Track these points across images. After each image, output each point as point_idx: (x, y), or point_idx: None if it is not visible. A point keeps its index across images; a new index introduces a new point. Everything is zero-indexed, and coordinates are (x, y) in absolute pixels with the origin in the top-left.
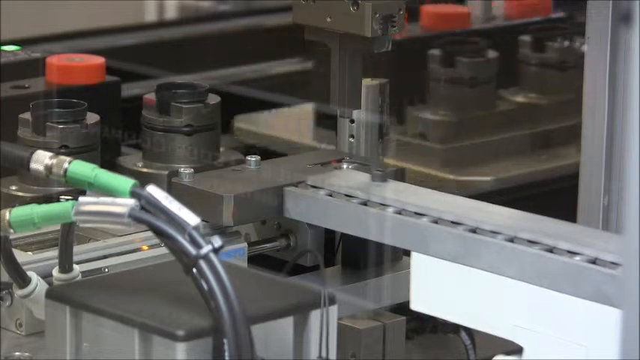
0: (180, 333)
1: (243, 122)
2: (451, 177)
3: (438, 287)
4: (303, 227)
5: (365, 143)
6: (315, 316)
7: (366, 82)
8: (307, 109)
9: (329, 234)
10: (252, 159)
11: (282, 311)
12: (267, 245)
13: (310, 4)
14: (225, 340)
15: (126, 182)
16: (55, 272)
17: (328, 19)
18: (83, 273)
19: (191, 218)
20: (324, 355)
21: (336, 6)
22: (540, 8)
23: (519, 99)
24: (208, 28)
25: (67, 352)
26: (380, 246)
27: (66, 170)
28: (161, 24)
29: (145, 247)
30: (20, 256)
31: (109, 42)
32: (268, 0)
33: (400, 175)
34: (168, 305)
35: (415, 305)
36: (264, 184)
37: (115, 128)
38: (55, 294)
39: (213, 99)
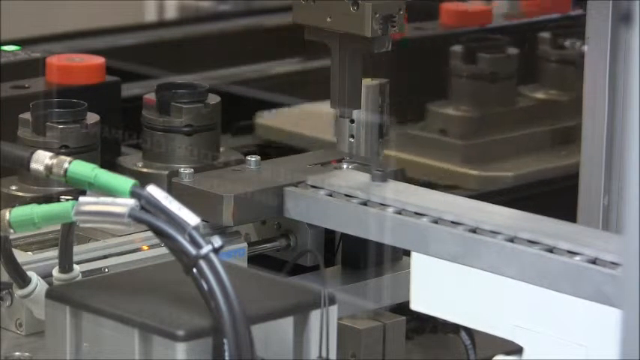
0: (180, 333)
1: (264, 118)
2: (474, 172)
3: (438, 287)
4: (303, 227)
5: (365, 143)
6: (315, 316)
7: (366, 82)
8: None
9: (329, 234)
10: (252, 159)
11: (282, 311)
12: (267, 245)
13: (310, 4)
14: (225, 340)
15: (126, 182)
16: (55, 272)
17: (328, 19)
18: (83, 273)
19: (191, 218)
20: (324, 355)
21: (336, 6)
22: (559, 5)
23: (539, 95)
24: (208, 28)
25: (67, 352)
26: (380, 246)
27: (66, 170)
28: (161, 24)
29: (145, 247)
30: (20, 256)
31: (109, 42)
32: (268, 0)
33: (400, 175)
34: (168, 305)
35: (415, 305)
36: (264, 184)
37: (115, 128)
38: (55, 294)
39: (213, 99)
